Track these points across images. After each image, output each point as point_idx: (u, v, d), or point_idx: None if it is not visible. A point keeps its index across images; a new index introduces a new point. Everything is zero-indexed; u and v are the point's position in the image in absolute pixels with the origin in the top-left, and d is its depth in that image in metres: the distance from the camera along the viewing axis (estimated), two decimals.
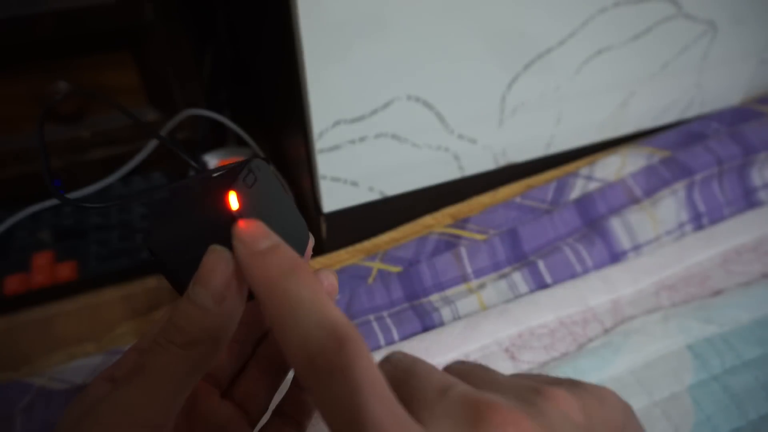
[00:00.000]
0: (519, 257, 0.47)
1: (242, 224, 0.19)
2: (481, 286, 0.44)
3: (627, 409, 0.19)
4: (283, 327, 0.18)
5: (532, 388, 0.18)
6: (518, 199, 0.50)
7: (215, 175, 0.22)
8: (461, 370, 0.21)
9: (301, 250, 0.24)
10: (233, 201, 0.20)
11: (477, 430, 0.16)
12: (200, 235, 0.20)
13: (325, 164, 0.42)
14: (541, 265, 0.45)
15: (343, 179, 0.44)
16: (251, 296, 0.21)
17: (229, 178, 0.21)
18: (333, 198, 0.44)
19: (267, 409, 0.26)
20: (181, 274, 0.21)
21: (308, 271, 0.19)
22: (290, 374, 0.27)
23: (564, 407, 0.18)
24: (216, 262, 0.20)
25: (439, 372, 0.19)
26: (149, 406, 0.19)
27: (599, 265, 0.46)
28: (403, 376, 0.19)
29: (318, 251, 0.49)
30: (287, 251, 0.19)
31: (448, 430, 0.16)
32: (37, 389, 0.38)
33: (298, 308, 0.18)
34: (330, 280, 0.23)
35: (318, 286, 0.18)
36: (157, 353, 0.20)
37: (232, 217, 0.20)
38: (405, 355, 0.21)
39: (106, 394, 0.20)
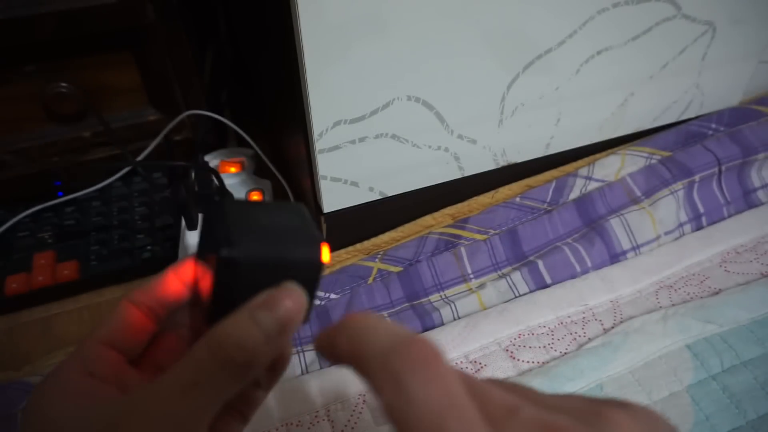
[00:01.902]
0: (519, 257, 0.47)
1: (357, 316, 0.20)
2: (481, 286, 0.45)
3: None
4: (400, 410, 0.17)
5: (592, 411, 0.18)
6: (518, 200, 0.50)
7: (292, 209, 0.23)
8: (504, 387, 0.20)
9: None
10: (325, 254, 0.22)
11: None
12: (281, 268, 0.21)
13: (325, 164, 0.42)
14: (541, 265, 0.45)
15: (344, 179, 0.44)
16: None
17: (313, 230, 0.23)
18: (333, 198, 0.45)
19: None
20: (233, 294, 0.21)
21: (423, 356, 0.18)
22: None
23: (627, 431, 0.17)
24: (295, 298, 0.20)
25: (496, 389, 0.19)
26: (196, 423, 0.20)
27: (599, 265, 0.46)
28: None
29: None
30: (391, 326, 0.19)
31: None
32: None
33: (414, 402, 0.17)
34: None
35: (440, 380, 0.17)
36: (214, 370, 0.20)
37: (318, 266, 0.22)
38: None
39: (116, 397, 0.21)
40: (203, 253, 0.24)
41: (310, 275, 0.22)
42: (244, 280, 0.21)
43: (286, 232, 0.22)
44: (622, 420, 0.18)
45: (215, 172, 0.44)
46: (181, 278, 0.25)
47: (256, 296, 0.20)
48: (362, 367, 0.18)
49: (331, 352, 0.20)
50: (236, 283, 0.21)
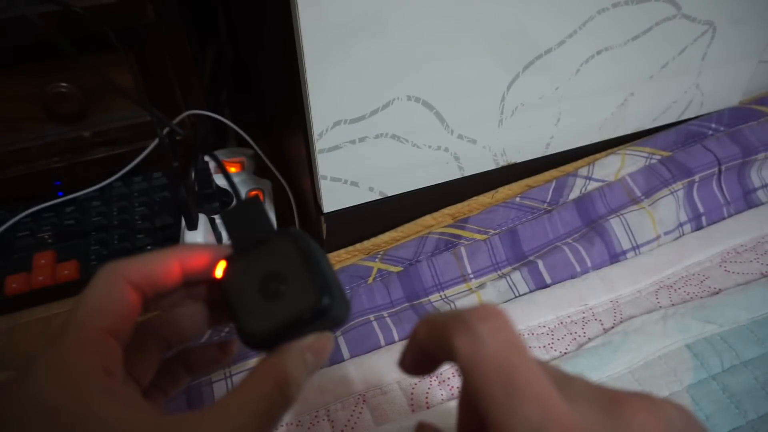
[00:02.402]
0: (518, 257, 0.47)
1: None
2: (481, 286, 0.45)
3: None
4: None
5: (636, 392, 0.19)
6: (518, 200, 0.50)
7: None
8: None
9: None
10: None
11: (616, 412, 0.18)
12: (332, 321, 0.23)
13: (325, 164, 0.42)
14: (541, 265, 0.45)
15: (344, 179, 0.44)
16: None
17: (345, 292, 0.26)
18: (333, 198, 0.45)
19: (151, 379, 0.26)
20: (300, 329, 0.22)
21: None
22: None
23: (670, 413, 0.18)
24: (330, 347, 0.23)
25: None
26: None
27: (599, 265, 0.46)
28: None
29: None
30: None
31: (588, 410, 0.18)
32: None
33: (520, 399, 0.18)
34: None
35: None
36: (282, 405, 0.21)
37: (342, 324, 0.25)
38: None
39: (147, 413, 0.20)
40: (252, 263, 0.23)
41: (337, 327, 0.25)
42: (317, 324, 0.22)
43: (340, 289, 0.24)
44: (664, 402, 0.19)
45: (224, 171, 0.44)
46: (185, 268, 0.23)
47: (305, 337, 0.22)
48: (440, 331, 0.20)
49: (417, 338, 0.22)
50: (312, 324, 0.22)
